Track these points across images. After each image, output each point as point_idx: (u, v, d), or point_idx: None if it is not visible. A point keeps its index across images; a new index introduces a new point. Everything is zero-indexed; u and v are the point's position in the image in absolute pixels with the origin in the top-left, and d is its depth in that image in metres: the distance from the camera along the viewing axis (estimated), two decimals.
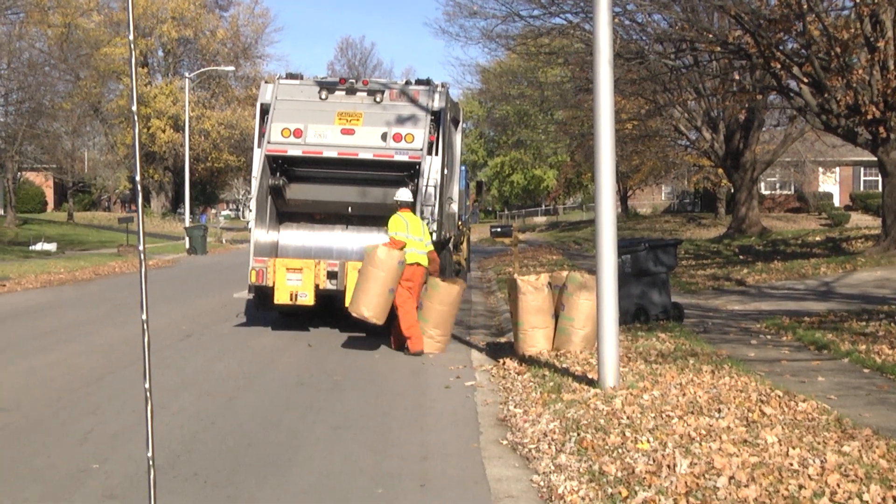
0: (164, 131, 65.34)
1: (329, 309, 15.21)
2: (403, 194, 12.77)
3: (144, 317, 3.92)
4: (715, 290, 19.65)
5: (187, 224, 42.63)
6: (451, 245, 16.79)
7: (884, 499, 5.28)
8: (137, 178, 4.23)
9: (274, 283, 13.47)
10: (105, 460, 6.71)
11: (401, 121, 14.33)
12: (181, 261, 34.32)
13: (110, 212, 74.80)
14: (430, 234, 13.76)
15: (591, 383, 8.84)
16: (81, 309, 17.39)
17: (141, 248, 4.17)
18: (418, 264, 12.41)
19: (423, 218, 13.65)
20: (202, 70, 60.01)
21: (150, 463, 4.16)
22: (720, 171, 43.49)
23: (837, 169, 56.49)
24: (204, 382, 9.99)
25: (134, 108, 4.29)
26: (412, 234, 12.40)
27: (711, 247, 33.95)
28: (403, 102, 14.58)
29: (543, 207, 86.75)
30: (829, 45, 22.00)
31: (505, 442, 7.34)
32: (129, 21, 4.13)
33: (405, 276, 12.14)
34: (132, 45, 4.34)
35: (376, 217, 15.01)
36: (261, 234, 14.36)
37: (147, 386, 3.83)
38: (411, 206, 12.91)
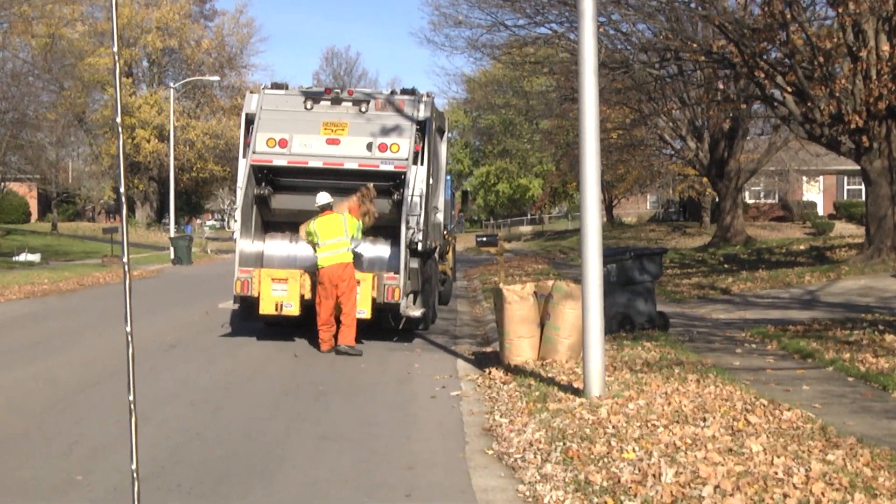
0: (148, 141, 65.13)
1: (314, 319, 15.20)
2: (320, 198, 13.32)
3: (129, 328, 3.91)
4: (700, 299, 19.72)
5: (172, 234, 42.45)
6: (436, 254, 16.80)
7: None
8: (122, 188, 4.22)
9: (259, 293, 13.44)
10: (89, 472, 6.68)
11: (386, 131, 14.36)
12: (166, 271, 34.20)
13: (94, 222, 74.52)
14: (417, 242, 13.81)
15: (577, 393, 8.86)
16: (65, 320, 17.30)
17: (125, 258, 4.16)
18: (343, 264, 12.92)
19: (408, 228, 13.68)
20: (187, 80, 59.86)
21: (135, 475, 4.15)
22: (705, 180, 43.69)
23: (821, 178, 56.78)
24: (189, 393, 9.96)
25: (118, 118, 4.29)
26: (330, 238, 12.90)
27: (696, 256, 34.06)
28: (389, 112, 14.60)
29: (529, 217, 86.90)
30: (813, 54, 22.15)
31: (491, 452, 7.34)
32: (113, 31, 4.12)
33: (332, 279, 12.79)
34: (116, 56, 4.34)
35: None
36: (246, 244, 14.34)
37: (131, 398, 3.82)
38: (330, 209, 13.30)
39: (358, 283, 13.14)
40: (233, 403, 9.45)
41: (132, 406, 3.84)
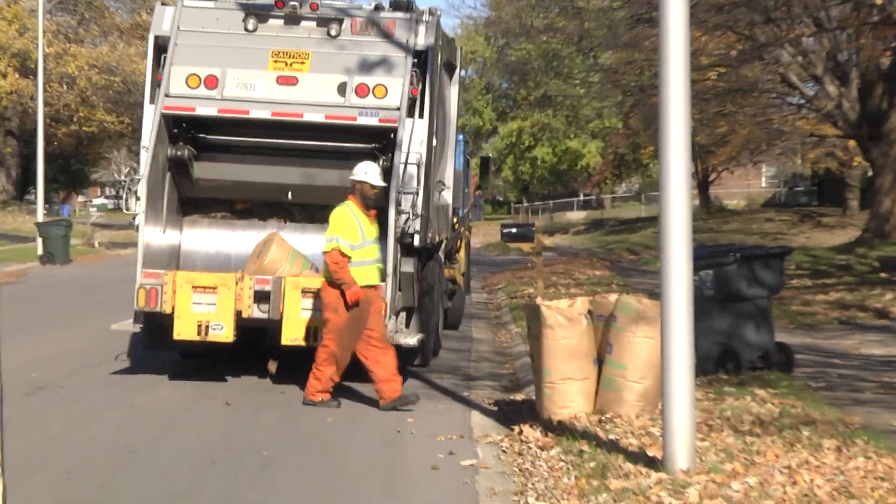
0: (4, 76, 65.20)
1: (257, 348, 15.27)
2: (363, 171, 12.88)
3: None
4: (843, 325, 19.74)
5: (41, 218, 42.53)
6: (441, 253, 16.86)
7: None
8: None
9: (174, 308, 13.51)
10: None
11: (367, 65, 14.42)
12: (31, 273, 34.27)
13: None
14: (412, 234, 13.88)
15: (653, 464, 8.92)
16: None
17: None
18: (374, 287, 12.72)
19: (399, 212, 13.74)
20: None
21: None
22: (852, 143, 43.59)
23: None
24: (64, 458, 10.05)
25: None
26: (368, 239, 12.65)
27: (837, 258, 34.01)
28: (371, 37, 14.67)
29: (582, 198, 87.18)
30: None
31: None
32: None
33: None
34: None
35: (331, 208, 15.07)
36: (154, 234, 14.41)
37: None
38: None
39: (316, 294, 13.20)
40: (130, 475, 9.54)
41: None
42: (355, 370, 14.55)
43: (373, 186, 12.76)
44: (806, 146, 54.43)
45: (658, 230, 8.98)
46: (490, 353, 18.04)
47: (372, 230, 12.77)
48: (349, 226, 12.54)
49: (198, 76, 14.37)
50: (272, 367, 14.27)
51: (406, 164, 14.11)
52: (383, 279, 13.02)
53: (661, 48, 8.83)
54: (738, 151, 54.66)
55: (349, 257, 12.43)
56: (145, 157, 14.32)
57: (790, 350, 14.60)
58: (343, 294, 12.39)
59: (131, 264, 14.71)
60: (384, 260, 13.11)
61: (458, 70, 17.43)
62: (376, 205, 12.98)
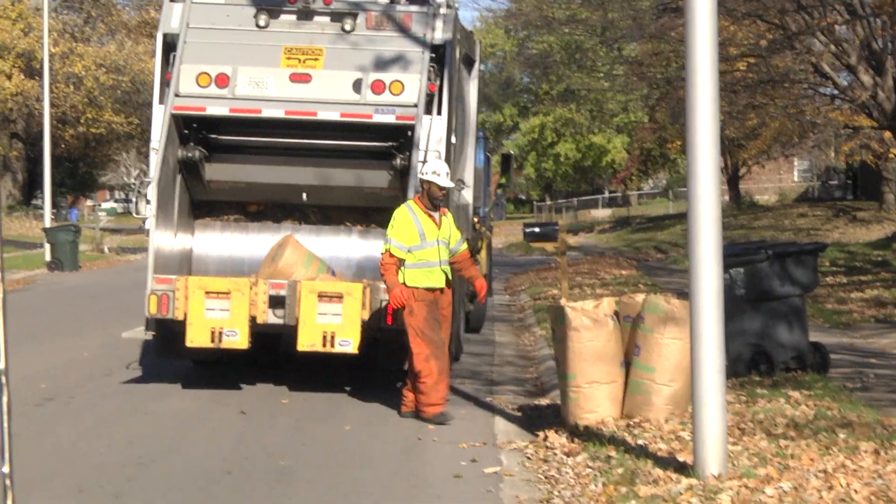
0: (9, 77, 65.34)
1: (272, 355, 15.31)
2: (432, 170, 12.82)
3: (2, 364, 4.04)
4: (880, 323, 19.71)
5: (48, 224, 42.66)
6: None
7: None
8: None
9: (186, 314, 13.53)
10: None
11: (383, 62, 14.45)
12: (39, 280, 34.42)
13: None
14: None
15: (684, 470, 8.95)
16: None
17: None
18: (440, 290, 12.65)
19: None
20: None
21: None
22: (888, 135, 43.47)
23: None
24: (74, 470, 10.10)
25: None
26: (430, 240, 12.58)
27: (873, 254, 33.99)
28: (387, 32, 14.70)
29: (608, 195, 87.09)
30: None
31: None
32: None
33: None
34: None
35: (346, 209, 15.13)
36: (165, 239, 14.46)
37: (6, 470, 3.95)
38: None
39: (340, 297, 13.25)
40: (142, 489, 9.58)
41: (7, 483, 3.98)
42: (369, 376, 14.65)
43: (440, 188, 12.73)
44: (840, 138, 54.28)
45: (686, 227, 8.99)
46: (513, 357, 18.06)
47: (435, 231, 12.63)
48: (405, 227, 12.51)
49: (208, 75, 14.40)
50: None
51: (424, 162, 14.13)
52: (450, 284, 12.90)
53: (688, 38, 8.85)
54: (769, 145, 54.48)
55: (401, 259, 12.43)
56: (155, 159, 14.34)
57: (825, 350, 14.59)
58: (418, 297, 12.41)
59: (142, 270, 14.76)
60: (447, 263, 13.05)
61: (477, 64, 17.44)
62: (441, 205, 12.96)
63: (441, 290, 12.70)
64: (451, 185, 13.01)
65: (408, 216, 12.58)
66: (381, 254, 12.61)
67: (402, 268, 12.44)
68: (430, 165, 12.88)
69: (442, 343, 12.52)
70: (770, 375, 13.59)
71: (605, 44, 48.89)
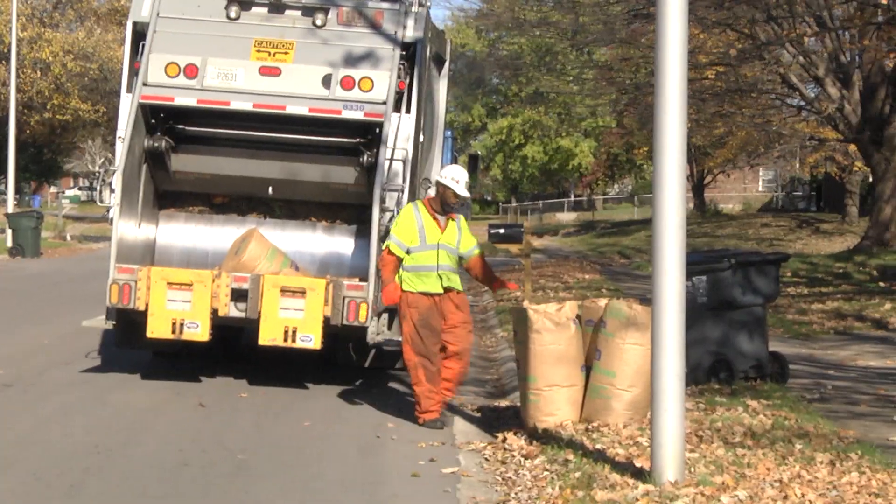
0: None
1: (233, 348, 15.27)
2: (451, 176, 12.56)
3: None
4: (839, 335, 19.76)
5: (10, 209, 42.46)
6: None
7: None
8: None
9: (147, 305, 13.49)
10: None
11: (353, 58, 14.42)
12: (0, 267, 34.20)
13: None
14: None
15: (640, 476, 8.96)
16: None
17: None
18: (438, 296, 12.47)
19: (383, 210, 13.76)
20: None
21: None
22: (853, 147, 43.68)
23: None
24: (31, 458, 10.05)
25: None
26: (430, 243, 12.42)
27: (835, 266, 34.05)
28: (358, 28, 14.68)
29: (573, 198, 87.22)
30: None
31: None
32: None
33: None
34: None
35: (312, 205, 15.09)
36: (128, 228, 14.38)
37: None
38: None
39: (303, 292, 13.22)
40: (99, 479, 9.54)
41: None
42: (330, 371, 14.63)
43: (456, 195, 12.54)
44: (805, 150, 54.61)
45: (651, 233, 9.02)
46: (474, 358, 17.98)
47: (437, 234, 12.42)
48: (407, 226, 12.37)
49: (177, 65, 14.35)
50: None
51: (391, 160, 14.13)
52: (447, 290, 12.50)
53: (658, 45, 8.87)
54: (736, 154, 54.79)
55: (398, 257, 12.30)
56: (121, 148, 14.26)
57: (785, 360, 14.64)
58: (411, 301, 12.27)
59: (104, 259, 14.71)
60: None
61: (447, 63, 17.42)
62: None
63: (440, 295, 12.44)
64: (468, 195, 12.83)
65: (412, 216, 12.48)
66: (382, 249, 12.55)
67: (400, 270, 12.36)
68: (451, 171, 12.73)
69: (434, 353, 12.26)
70: (729, 384, 13.62)
71: (576, 47, 48.99)
